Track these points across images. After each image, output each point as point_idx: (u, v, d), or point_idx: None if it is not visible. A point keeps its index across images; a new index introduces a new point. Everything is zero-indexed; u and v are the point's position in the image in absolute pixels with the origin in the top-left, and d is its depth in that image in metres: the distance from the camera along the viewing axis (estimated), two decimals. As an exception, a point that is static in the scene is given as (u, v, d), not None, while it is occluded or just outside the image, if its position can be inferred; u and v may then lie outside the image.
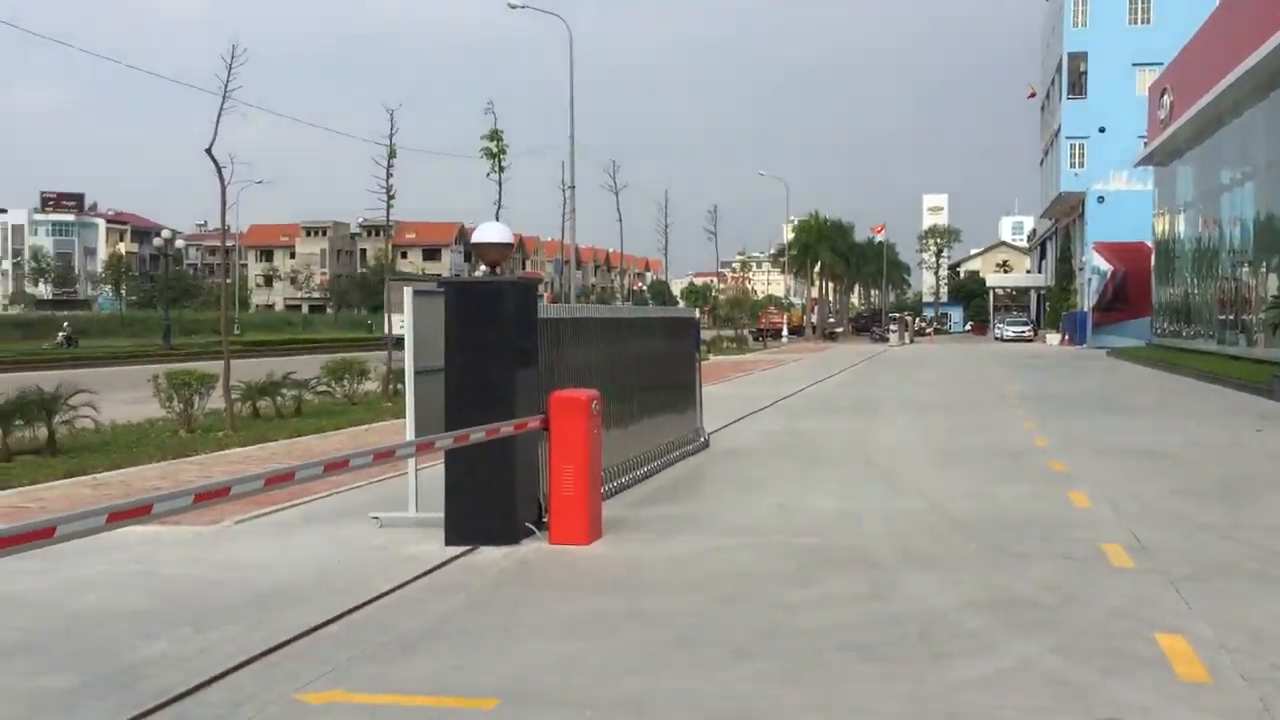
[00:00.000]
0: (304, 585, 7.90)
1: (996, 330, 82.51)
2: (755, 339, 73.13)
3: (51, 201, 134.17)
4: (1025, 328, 77.38)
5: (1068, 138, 68.65)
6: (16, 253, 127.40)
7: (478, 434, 8.48)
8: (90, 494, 11.97)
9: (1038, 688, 5.61)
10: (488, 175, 27.23)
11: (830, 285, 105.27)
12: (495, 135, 25.44)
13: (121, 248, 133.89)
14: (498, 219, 17.10)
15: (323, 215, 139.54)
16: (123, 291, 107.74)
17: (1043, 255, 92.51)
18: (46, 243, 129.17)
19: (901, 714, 5.24)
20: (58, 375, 21.47)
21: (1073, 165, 68.81)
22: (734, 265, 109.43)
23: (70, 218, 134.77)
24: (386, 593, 7.67)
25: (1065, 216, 76.20)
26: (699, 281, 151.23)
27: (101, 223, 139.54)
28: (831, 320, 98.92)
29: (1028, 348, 63.07)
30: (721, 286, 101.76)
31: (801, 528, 9.87)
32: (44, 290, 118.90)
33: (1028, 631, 6.58)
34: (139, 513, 4.95)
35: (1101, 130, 66.05)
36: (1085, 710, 5.30)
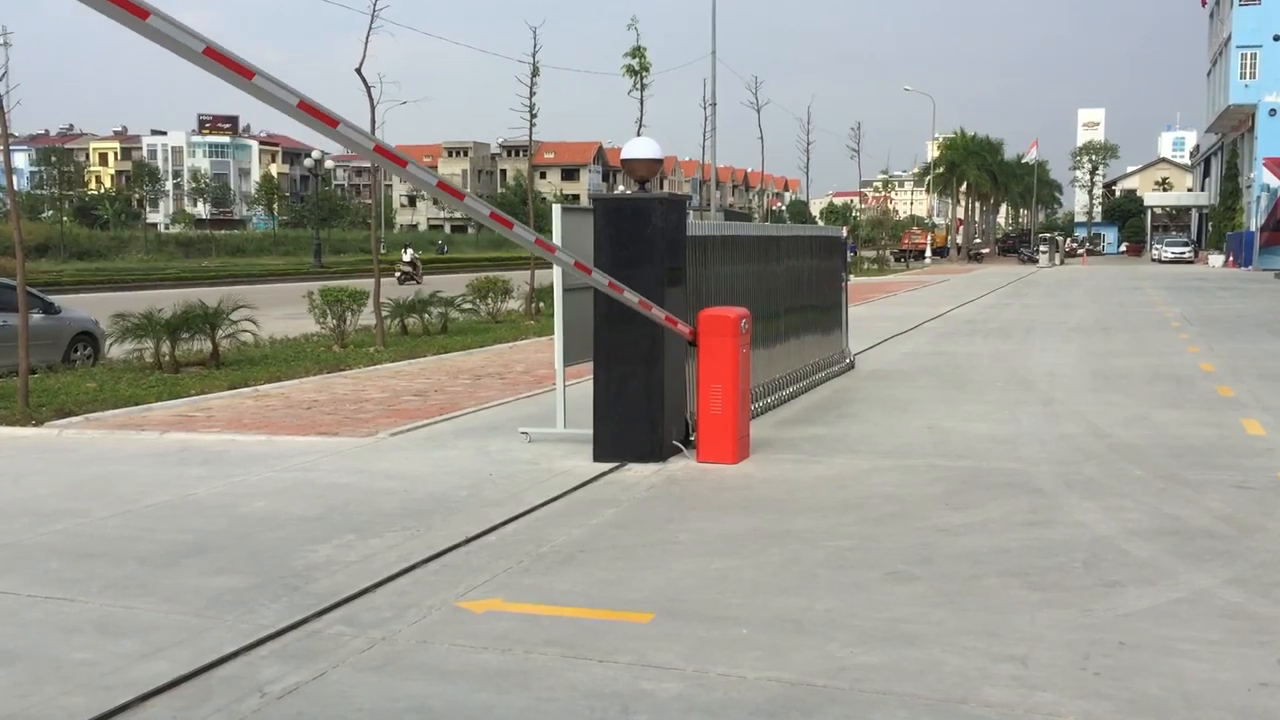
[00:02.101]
0: (459, 496, 8.06)
1: (1154, 251, 78.95)
2: (897, 260, 71.58)
3: (208, 124, 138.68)
4: (1185, 248, 73.78)
5: (1239, 47, 64.57)
6: (176, 173, 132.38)
7: (631, 296, 8.48)
8: (253, 404, 12.46)
9: (1215, 620, 5.37)
10: (629, 93, 27.02)
11: (976, 205, 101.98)
12: (638, 52, 25.13)
13: (273, 169, 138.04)
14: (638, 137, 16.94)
15: (464, 136, 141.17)
16: (275, 211, 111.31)
17: (1206, 172, 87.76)
18: (204, 164, 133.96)
19: (1070, 643, 5.07)
20: (220, 291, 22.34)
21: (1243, 76, 64.80)
22: (876, 184, 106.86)
23: (225, 139, 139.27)
24: (539, 506, 7.77)
25: (1233, 131, 71.95)
26: (839, 201, 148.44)
27: (254, 144, 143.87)
28: (977, 241, 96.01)
29: (1188, 269, 60.23)
30: (862, 206, 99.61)
31: (954, 451, 9.63)
32: (202, 210, 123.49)
33: (1202, 562, 6.30)
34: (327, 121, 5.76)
35: (1276, 38, 61.93)
36: (1267, 645, 5.04)
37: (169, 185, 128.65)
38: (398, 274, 43.63)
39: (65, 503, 8.00)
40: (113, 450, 10.10)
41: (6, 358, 14.27)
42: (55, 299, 18.05)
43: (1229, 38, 65.87)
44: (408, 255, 47.35)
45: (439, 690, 4.67)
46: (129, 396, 12.79)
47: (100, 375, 14.78)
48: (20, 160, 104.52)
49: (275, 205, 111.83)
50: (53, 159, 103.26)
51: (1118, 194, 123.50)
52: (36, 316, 15.25)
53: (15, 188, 14.78)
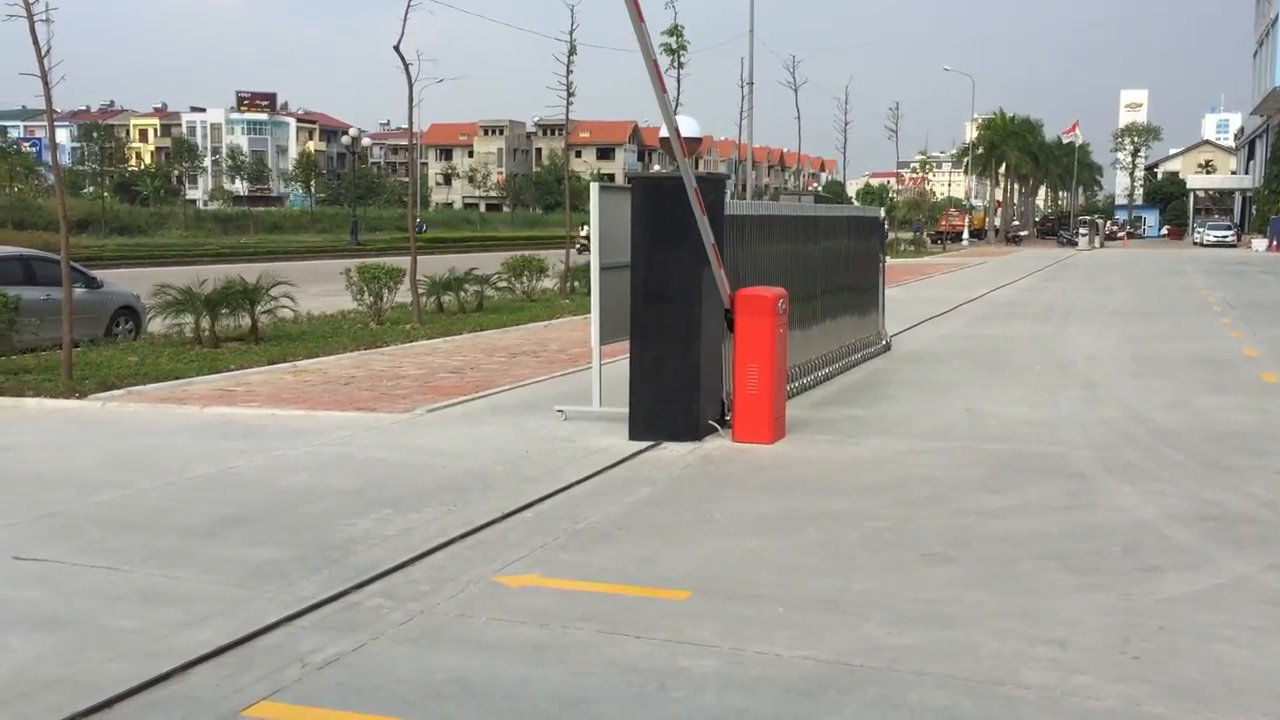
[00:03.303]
0: (495, 473, 8.11)
1: (1196, 235, 77.88)
2: (934, 242, 71.08)
3: (246, 101, 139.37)
4: (1228, 232, 72.65)
5: (1287, 27, 63.42)
6: (215, 150, 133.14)
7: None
8: (292, 380, 12.57)
9: (1256, 607, 5.32)
10: (665, 71, 26.88)
11: (1015, 186, 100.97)
12: (676, 30, 24.99)
13: (310, 146, 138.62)
14: (678, 115, 16.85)
15: (500, 114, 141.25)
16: (311, 188, 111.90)
17: (1251, 155, 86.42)
18: (242, 141, 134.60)
19: (1109, 627, 5.04)
20: (258, 267, 22.50)
21: (1291, 57, 63.67)
22: (913, 166, 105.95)
23: (264, 117, 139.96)
24: (575, 483, 7.81)
25: (1279, 113, 70.78)
26: (875, 182, 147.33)
27: (292, 122, 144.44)
28: (1016, 223, 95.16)
29: (1231, 253, 59.37)
30: (899, 187, 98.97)
31: (992, 434, 9.57)
32: (240, 187, 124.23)
33: (1243, 548, 6.23)
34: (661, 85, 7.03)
35: (1326, 18, 60.77)
36: (1310, 633, 5.00)
37: (208, 162, 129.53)
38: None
39: (109, 474, 8.12)
40: (154, 423, 10.23)
41: (51, 331, 14.46)
42: (97, 274, 18.26)
43: (1276, 18, 64.72)
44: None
45: (477, 663, 4.71)
46: (170, 370, 12.95)
47: (141, 349, 14.97)
48: (62, 136, 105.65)
49: (312, 182, 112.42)
50: (94, 135, 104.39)
51: (1159, 176, 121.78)
52: (79, 291, 15.43)
53: (58, 163, 14.94)
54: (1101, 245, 72.49)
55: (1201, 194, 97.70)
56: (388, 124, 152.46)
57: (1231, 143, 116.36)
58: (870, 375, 13.19)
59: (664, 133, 9.65)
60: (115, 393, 11.61)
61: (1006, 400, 11.30)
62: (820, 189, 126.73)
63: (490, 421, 10.16)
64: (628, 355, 9.49)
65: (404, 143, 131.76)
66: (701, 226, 8.90)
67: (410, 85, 19.58)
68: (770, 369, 9.10)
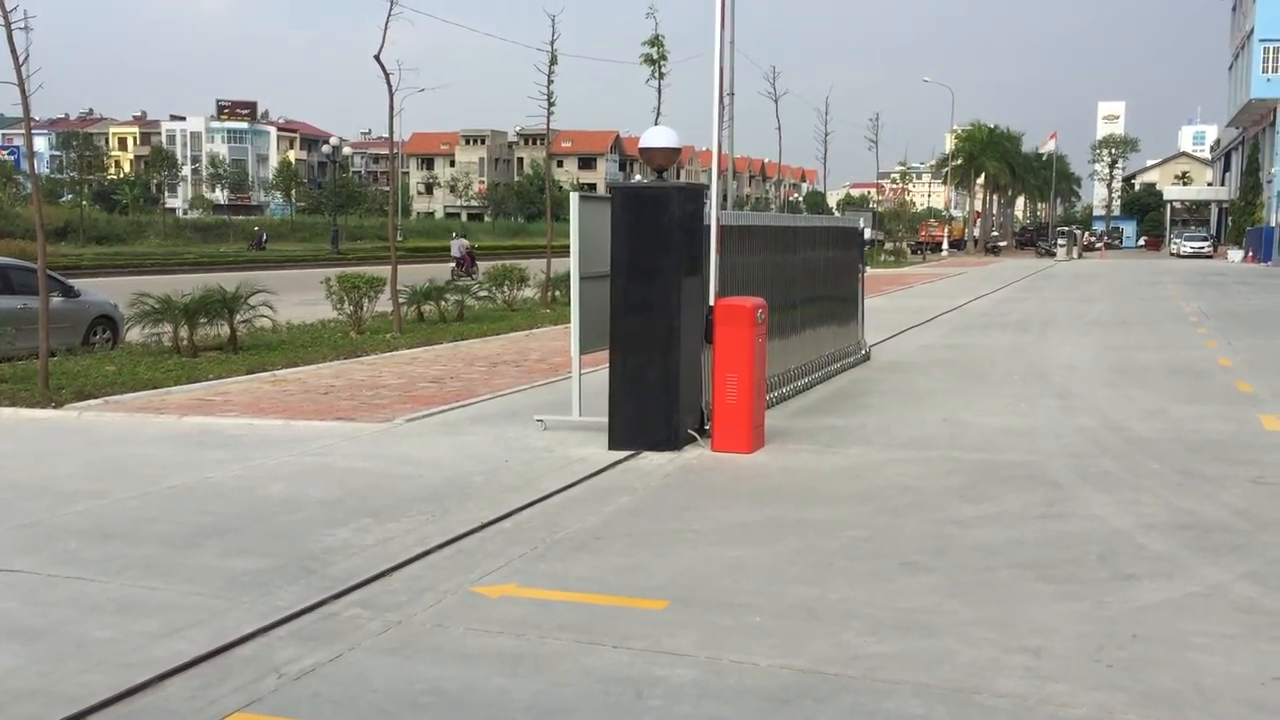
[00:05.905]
0: (474, 482, 8.10)
1: (1173, 245, 78.57)
2: (914, 252, 71.39)
3: (226, 109, 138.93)
4: (1204, 243, 73.28)
5: (1261, 40, 64.07)
6: (195, 159, 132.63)
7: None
8: (270, 389, 12.53)
9: (1229, 614, 5.36)
10: (647, 82, 26.95)
11: (994, 197, 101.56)
12: (656, 41, 25.06)
13: (291, 155, 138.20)
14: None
15: (481, 124, 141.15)
16: (292, 197, 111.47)
17: (1227, 167, 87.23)
18: (222, 149, 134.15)
19: (1083, 635, 5.08)
20: (238, 276, 22.39)
21: (1265, 70, 64.34)
22: (893, 176, 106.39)
23: (244, 125, 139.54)
24: (554, 493, 7.81)
25: (1254, 125, 71.46)
26: (856, 193, 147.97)
27: (273, 130, 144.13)
28: (995, 234, 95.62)
29: (1207, 264, 59.84)
30: (879, 198, 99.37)
31: (970, 443, 9.62)
32: (220, 196, 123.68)
33: (1217, 557, 6.29)
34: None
35: (1300, 32, 61.41)
36: (1282, 641, 5.04)
37: (187, 170, 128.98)
38: None
39: (85, 484, 8.07)
40: (132, 433, 10.18)
41: (27, 340, 14.37)
42: (75, 282, 18.15)
43: (1251, 31, 65.40)
44: None
45: (454, 673, 4.71)
46: (148, 380, 12.87)
47: (119, 358, 14.88)
48: (41, 144, 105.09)
49: (293, 191, 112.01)
50: (73, 143, 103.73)
51: (1137, 188, 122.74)
52: (56, 299, 15.34)
53: (36, 171, 14.88)
54: (1079, 256, 72.96)
55: (1178, 205, 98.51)
56: (369, 133, 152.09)
57: (1208, 154, 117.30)
58: (850, 385, 13.24)
59: (644, 143, 9.69)
60: (92, 402, 11.54)
61: (985, 410, 11.36)
62: (801, 200, 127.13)
63: (470, 431, 10.15)
64: (608, 365, 9.50)
65: (385, 152, 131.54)
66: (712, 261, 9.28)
67: (391, 94, 19.54)
68: (749, 379, 9.12)
